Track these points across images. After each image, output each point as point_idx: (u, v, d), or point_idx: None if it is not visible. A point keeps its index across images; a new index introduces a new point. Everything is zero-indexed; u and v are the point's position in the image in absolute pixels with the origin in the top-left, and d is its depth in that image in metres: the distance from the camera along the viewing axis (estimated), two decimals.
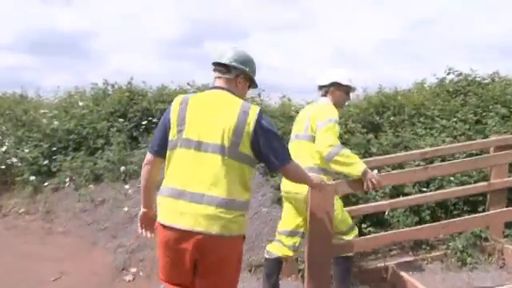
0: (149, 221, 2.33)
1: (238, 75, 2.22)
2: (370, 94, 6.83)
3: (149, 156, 2.22)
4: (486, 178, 4.36)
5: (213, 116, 2.05)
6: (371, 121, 6.19)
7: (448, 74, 6.64)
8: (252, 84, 2.33)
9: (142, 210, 2.35)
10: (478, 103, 5.82)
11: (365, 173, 2.83)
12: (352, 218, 3.34)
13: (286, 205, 3.23)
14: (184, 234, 1.96)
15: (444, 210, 4.68)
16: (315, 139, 2.95)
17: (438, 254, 4.15)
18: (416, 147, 5.30)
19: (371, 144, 5.32)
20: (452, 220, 3.60)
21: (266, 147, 2.05)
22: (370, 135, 5.63)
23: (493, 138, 4.29)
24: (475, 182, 4.50)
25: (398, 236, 3.61)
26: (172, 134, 2.08)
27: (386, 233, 3.78)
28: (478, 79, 6.44)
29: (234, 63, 2.18)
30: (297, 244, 3.15)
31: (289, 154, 2.18)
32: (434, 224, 3.56)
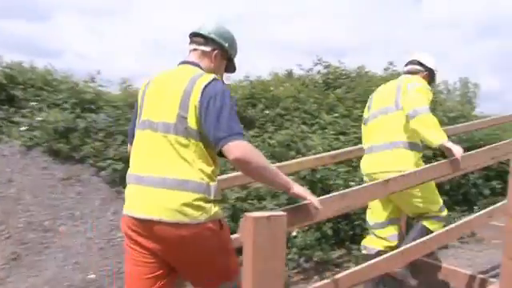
0: None
1: (215, 49, 2.00)
2: (234, 85, 5.84)
3: (128, 147, 2.07)
4: None
5: (164, 92, 1.85)
6: (242, 115, 5.21)
7: (316, 64, 6.11)
8: (230, 65, 2.09)
9: None
10: (354, 96, 5.38)
11: (446, 144, 2.51)
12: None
13: None
14: (142, 224, 1.77)
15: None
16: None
17: None
18: (305, 147, 4.53)
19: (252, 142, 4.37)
20: None
21: (208, 120, 1.71)
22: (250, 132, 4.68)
23: None
24: None
25: None
26: (137, 119, 1.96)
27: None
28: (344, 72, 6.06)
29: (212, 35, 1.99)
30: (396, 233, 2.95)
31: (240, 132, 1.71)
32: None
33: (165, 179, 1.74)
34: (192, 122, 1.74)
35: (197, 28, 2.00)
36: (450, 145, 2.48)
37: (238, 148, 1.65)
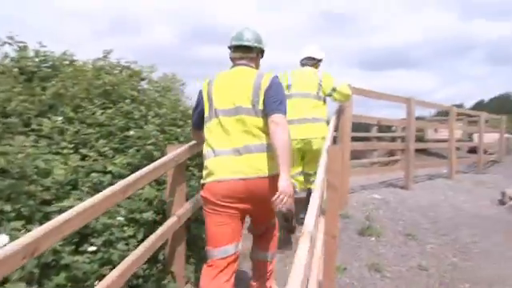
0: None
1: (258, 53, 2.77)
2: None
3: (195, 129, 2.97)
4: None
5: (234, 86, 2.59)
6: None
7: (3, 44, 4.19)
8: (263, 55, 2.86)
9: None
10: (79, 91, 4.00)
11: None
12: None
13: (297, 154, 4.22)
14: (240, 183, 2.47)
15: None
16: (335, 92, 4.36)
17: None
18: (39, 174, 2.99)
19: None
20: None
21: (269, 96, 2.53)
22: None
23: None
24: None
25: None
26: (206, 110, 2.66)
27: None
28: (46, 59, 4.43)
29: (255, 44, 2.71)
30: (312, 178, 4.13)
31: (285, 111, 2.58)
32: None
33: (255, 146, 2.52)
34: (260, 105, 2.54)
35: (236, 40, 2.72)
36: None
37: (282, 121, 2.50)
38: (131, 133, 3.63)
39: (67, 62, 4.58)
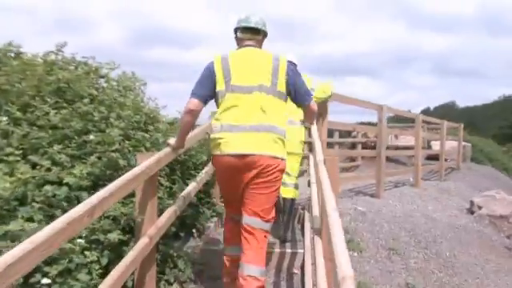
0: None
1: (263, 36, 2.90)
2: None
3: (196, 102, 2.68)
4: None
5: (253, 65, 2.69)
6: None
7: None
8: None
9: (177, 145, 2.93)
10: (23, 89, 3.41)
11: None
12: None
13: None
14: (248, 158, 2.55)
15: None
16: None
17: None
18: None
19: None
20: None
21: (298, 87, 2.75)
22: None
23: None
24: None
25: None
26: (219, 85, 2.67)
27: None
28: None
29: (262, 27, 2.84)
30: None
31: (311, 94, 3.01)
32: None
33: (271, 126, 2.59)
34: (280, 86, 2.67)
35: (244, 22, 2.82)
36: None
37: (315, 105, 2.90)
38: (91, 137, 3.10)
39: (12, 55, 3.96)
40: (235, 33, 2.88)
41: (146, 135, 3.55)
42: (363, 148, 13.38)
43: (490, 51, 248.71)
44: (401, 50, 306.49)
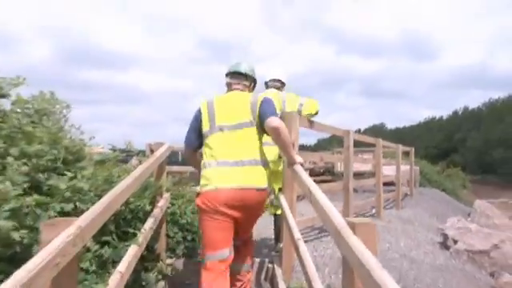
0: None
1: (251, 82, 3.19)
2: None
3: (188, 150, 3.11)
4: None
5: (234, 106, 2.93)
6: None
7: None
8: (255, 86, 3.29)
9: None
10: None
11: None
12: None
13: None
14: (237, 193, 2.72)
15: None
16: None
17: None
18: None
19: None
20: None
21: (262, 109, 2.86)
22: None
23: None
24: None
25: None
26: (204, 127, 2.93)
27: None
28: None
29: (250, 73, 3.14)
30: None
31: (276, 114, 2.89)
32: None
33: (256, 160, 2.81)
34: (257, 120, 2.86)
35: (234, 68, 3.13)
36: None
37: (277, 121, 2.79)
38: None
39: None
40: (225, 78, 3.17)
41: (62, 187, 2.41)
42: (310, 175, 12.67)
43: (413, 74, 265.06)
44: (331, 72, 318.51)
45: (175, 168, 7.13)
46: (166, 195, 3.86)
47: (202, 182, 2.80)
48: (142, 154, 5.18)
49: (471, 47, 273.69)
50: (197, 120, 2.98)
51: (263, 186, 2.79)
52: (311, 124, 4.84)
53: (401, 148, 10.18)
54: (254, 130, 2.83)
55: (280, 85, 4.48)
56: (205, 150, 2.89)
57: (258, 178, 2.78)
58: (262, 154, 2.86)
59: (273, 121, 2.75)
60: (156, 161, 3.42)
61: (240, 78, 3.09)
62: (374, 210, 7.94)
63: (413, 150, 12.14)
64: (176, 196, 4.37)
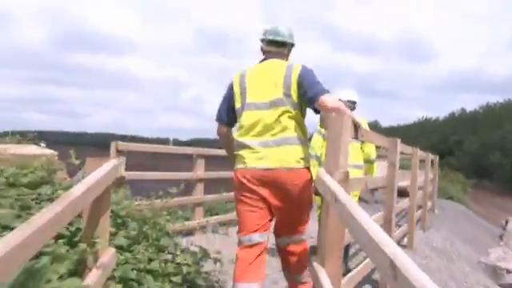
0: None
1: (290, 48, 2.82)
2: None
3: (219, 127, 2.83)
4: None
5: (266, 80, 2.61)
6: None
7: None
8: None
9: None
10: None
11: None
12: None
13: None
14: (267, 173, 2.50)
15: None
16: None
17: None
18: None
19: None
20: None
21: (306, 84, 2.52)
22: None
23: None
24: None
25: None
26: (237, 103, 2.67)
27: None
28: None
29: (289, 40, 2.77)
30: None
31: (324, 88, 2.56)
32: None
33: (285, 139, 2.52)
34: (295, 97, 2.55)
35: (272, 35, 2.73)
36: None
37: (327, 97, 2.47)
38: None
39: None
40: (261, 43, 2.84)
41: None
42: None
43: (408, 75, 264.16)
44: (328, 69, 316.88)
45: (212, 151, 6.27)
46: (110, 253, 2.10)
47: (236, 160, 2.67)
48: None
49: (466, 50, 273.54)
50: (228, 95, 2.76)
51: (293, 166, 2.53)
52: (357, 132, 3.13)
53: (430, 157, 8.50)
54: (287, 107, 2.57)
55: (354, 106, 4.52)
56: (237, 127, 2.72)
57: (287, 158, 2.53)
58: (297, 131, 2.58)
59: (326, 98, 2.48)
60: (86, 195, 1.67)
61: (278, 46, 2.78)
62: (405, 239, 6.24)
63: (437, 158, 10.44)
64: (134, 241, 2.62)
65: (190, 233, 5.80)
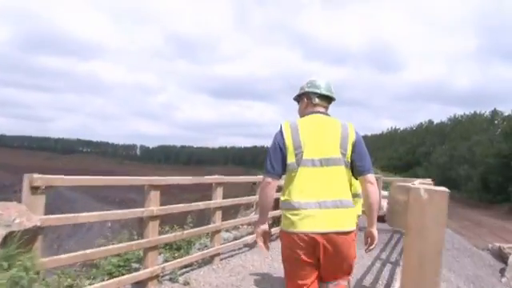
0: (267, 235, 2.77)
1: (330, 104, 2.86)
2: None
3: (269, 179, 2.60)
4: None
5: (323, 136, 2.58)
6: None
7: None
8: None
9: (263, 227, 2.73)
10: None
11: None
12: None
13: None
14: (325, 236, 2.45)
15: None
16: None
17: None
18: None
19: None
20: None
21: (360, 154, 2.59)
22: None
23: None
24: None
25: None
26: (290, 158, 2.56)
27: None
28: None
29: (334, 96, 2.82)
30: None
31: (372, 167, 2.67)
32: None
33: (341, 201, 2.50)
34: (348, 156, 2.55)
35: (324, 90, 2.76)
36: None
37: (373, 179, 2.62)
38: None
39: None
40: (302, 95, 2.84)
41: None
42: None
43: (376, 85, 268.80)
44: (296, 77, 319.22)
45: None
46: None
47: (284, 221, 2.57)
48: None
49: (434, 62, 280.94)
50: (281, 147, 2.59)
51: (349, 229, 2.51)
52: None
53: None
54: (343, 167, 2.55)
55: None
56: (287, 184, 2.59)
57: (343, 221, 2.49)
58: (349, 193, 2.58)
59: (372, 178, 2.61)
60: None
61: (328, 101, 2.82)
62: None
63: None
64: None
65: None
